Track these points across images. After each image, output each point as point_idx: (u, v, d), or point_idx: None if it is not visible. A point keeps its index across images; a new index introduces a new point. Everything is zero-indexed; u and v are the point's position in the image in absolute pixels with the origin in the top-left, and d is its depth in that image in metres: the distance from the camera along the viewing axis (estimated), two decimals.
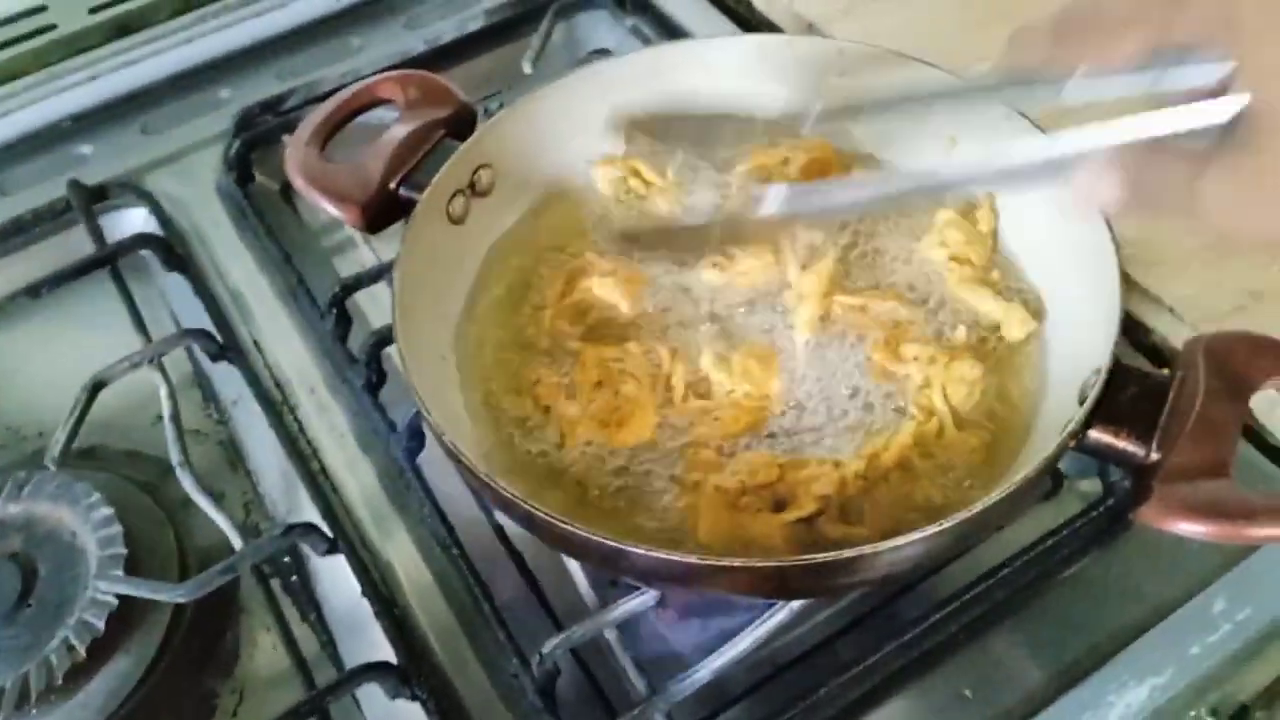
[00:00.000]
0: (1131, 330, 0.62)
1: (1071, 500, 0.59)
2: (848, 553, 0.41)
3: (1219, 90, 0.33)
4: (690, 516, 0.48)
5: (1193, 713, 0.52)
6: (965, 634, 0.54)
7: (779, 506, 0.48)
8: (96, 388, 0.60)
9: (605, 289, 0.57)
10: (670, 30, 0.81)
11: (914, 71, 0.59)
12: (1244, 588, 0.54)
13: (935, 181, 0.50)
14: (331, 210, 0.55)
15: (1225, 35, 0.29)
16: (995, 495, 0.42)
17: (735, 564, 0.42)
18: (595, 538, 0.41)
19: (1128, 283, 0.61)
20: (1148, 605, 0.54)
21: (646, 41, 0.81)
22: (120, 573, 0.54)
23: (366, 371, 0.61)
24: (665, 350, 0.54)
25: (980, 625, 0.54)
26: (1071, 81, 0.38)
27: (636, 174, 0.62)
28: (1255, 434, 0.58)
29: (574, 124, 0.61)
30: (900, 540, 0.41)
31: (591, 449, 0.51)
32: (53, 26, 0.79)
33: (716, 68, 0.63)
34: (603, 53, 0.84)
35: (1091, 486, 0.59)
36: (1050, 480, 0.59)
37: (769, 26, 0.81)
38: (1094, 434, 0.44)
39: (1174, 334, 0.60)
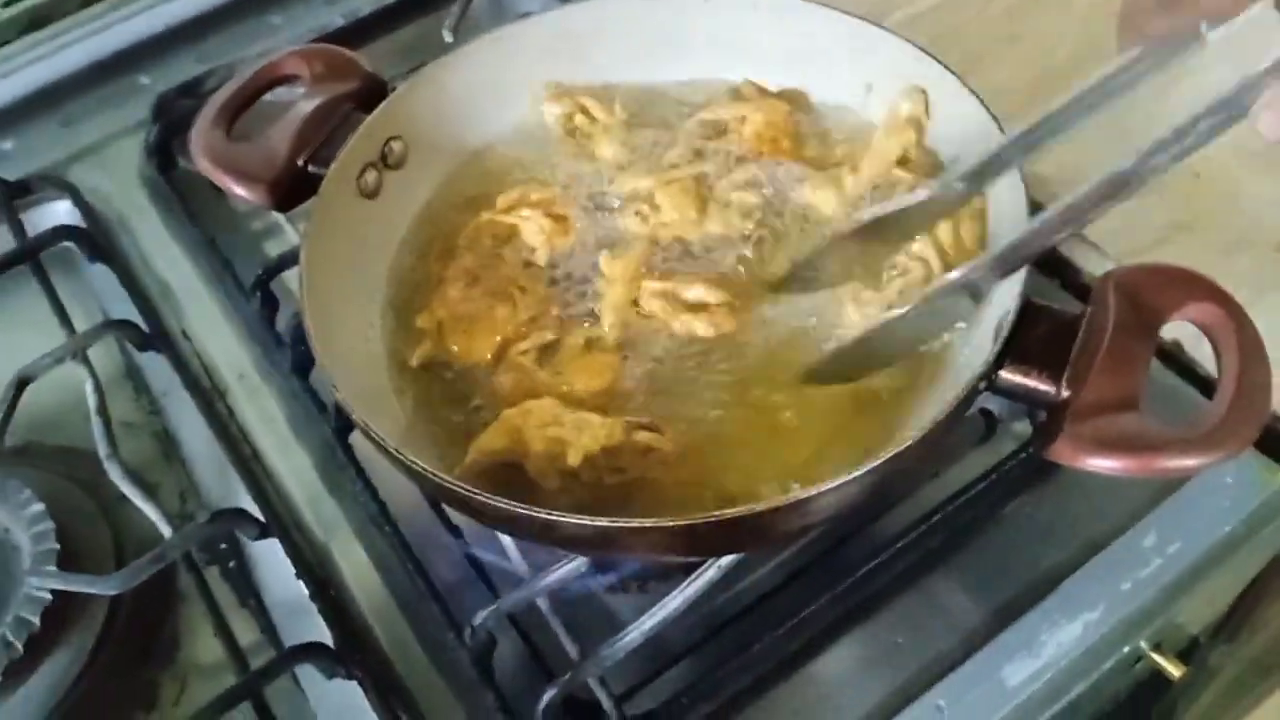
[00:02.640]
0: (1059, 269, 0.62)
1: (1006, 443, 0.59)
2: (759, 506, 0.41)
3: None
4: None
5: (1127, 648, 0.52)
6: (902, 580, 0.54)
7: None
8: (21, 384, 0.59)
9: (530, 229, 0.56)
10: None
11: (826, 17, 0.58)
12: (1174, 521, 0.54)
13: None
14: (239, 191, 0.54)
15: None
16: (903, 442, 0.41)
17: (647, 524, 0.41)
18: (498, 503, 0.41)
19: None
20: (1082, 543, 0.54)
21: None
22: (53, 568, 0.54)
23: (294, 354, 0.61)
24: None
25: (917, 571, 0.54)
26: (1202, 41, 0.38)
27: (584, 111, 0.61)
28: (1185, 366, 0.58)
29: (486, 90, 0.60)
30: (814, 490, 0.41)
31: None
32: None
33: (631, 27, 0.62)
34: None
35: (1024, 428, 0.59)
36: (984, 424, 0.59)
37: None
38: (1005, 374, 0.44)
39: (1100, 270, 0.59)
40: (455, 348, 0.54)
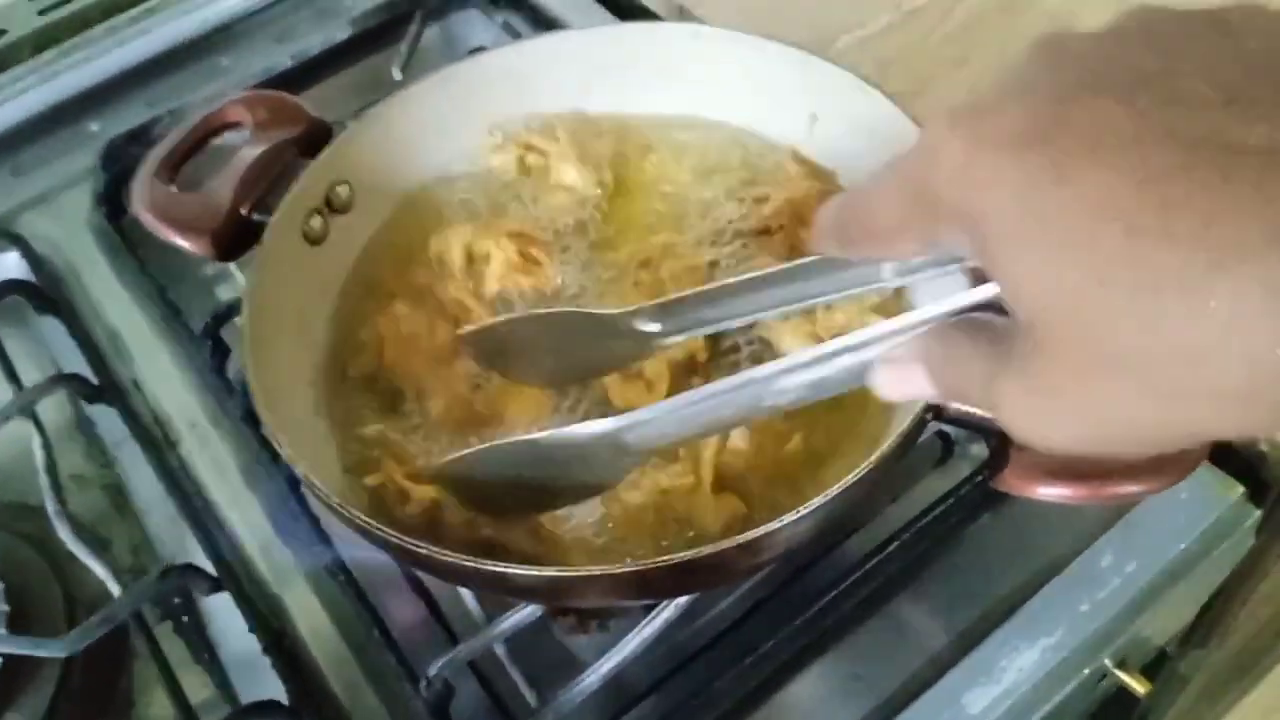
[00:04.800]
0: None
1: (963, 466, 0.59)
2: (706, 550, 0.40)
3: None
4: None
5: (1088, 670, 0.52)
6: (865, 607, 0.53)
7: None
8: None
9: (499, 259, 0.55)
10: (545, 23, 0.80)
11: (768, 49, 0.58)
12: (1130, 541, 0.54)
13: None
14: (180, 243, 0.54)
15: (976, 250, 0.25)
16: (851, 478, 0.41)
17: (595, 572, 0.41)
18: (445, 556, 0.40)
19: None
20: (1042, 564, 0.54)
21: (517, 37, 0.80)
22: (2, 630, 0.53)
23: (245, 400, 0.60)
24: None
25: (879, 597, 0.54)
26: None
27: (530, 148, 0.61)
28: None
29: (432, 129, 0.60)
30: (766, 529, 0.41)
31: None
32: None
33: (575, 62, 0.62)
34: (480, 51, 0.83)
35: (982, 451, 0.58)
36: (941, 448, 0.59)
37: (645, 14, 0.80)
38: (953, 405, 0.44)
39: None
40: (393, 365, 0.53)
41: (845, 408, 0.50)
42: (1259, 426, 0.23)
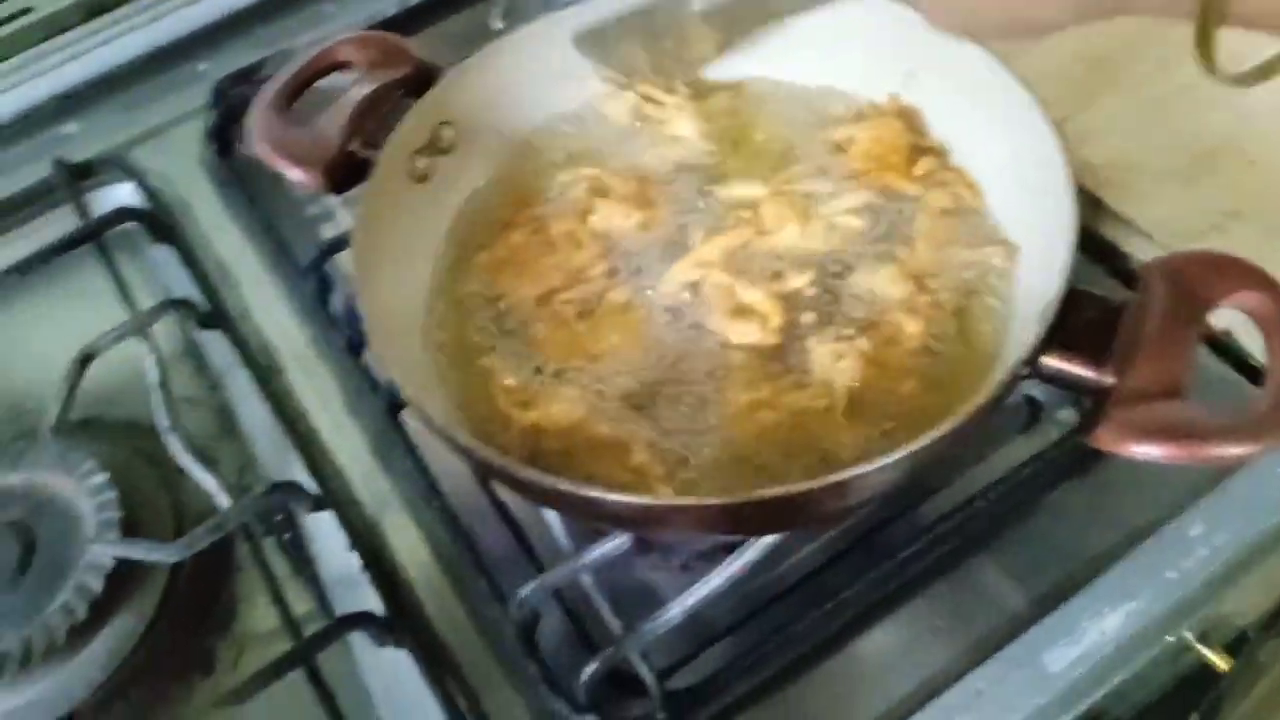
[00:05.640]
0: (1107, 255, 0.61)
1: (1051, 430, 0.58)
2: (799, 487, 0.41)
3: None
4: None
5: (1171, 638, 0.52)
6: (943, 564, 0.54)
7: None
8: (86, 360, 0.61)
9: (609, 203, 0.56)
10: None
11: (867, 3, 0.58)
12: (1221, 512, 0.53)
13: None
14: (293, 174, 0.56)
15: None
16: (939, 430, 0.42)
17: (689, 503, 0.42)
18: (544, 480, 0.42)
19: (1099, 207, 0.61)
20: (1125, 532, 0.54)
21: None
22: (116, 536, 0.56)
23: (348, 333, 0.62)
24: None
25: (957, 556, 0.54)
26: None
27: (648, 98, 0.61)
28: (1233, 353, 0.58)
29: (537, 74, 0.61)
30: (855, 471, 0.41)
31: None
32: (29, 10, 0.80)
33: None
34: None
35: (1069, 416, 0.58)
36: (1028, 411, 0.59)
37: None
38: (1048, 360, 0.44)
39: (1148, 257, 0.59)
40: (503, 287, 0.54)
41: (952, 363, 0.51)
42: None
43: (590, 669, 0.49)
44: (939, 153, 0.58)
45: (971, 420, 0.42)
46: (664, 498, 0.42)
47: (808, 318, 0.52)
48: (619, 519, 0.47)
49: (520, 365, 0.52)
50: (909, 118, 0.59)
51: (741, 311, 0.51)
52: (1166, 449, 0.41)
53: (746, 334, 0.51)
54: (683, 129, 0.60)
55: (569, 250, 0.55)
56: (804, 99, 0.62)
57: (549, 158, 0.61)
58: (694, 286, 0.54)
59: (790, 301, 0.53)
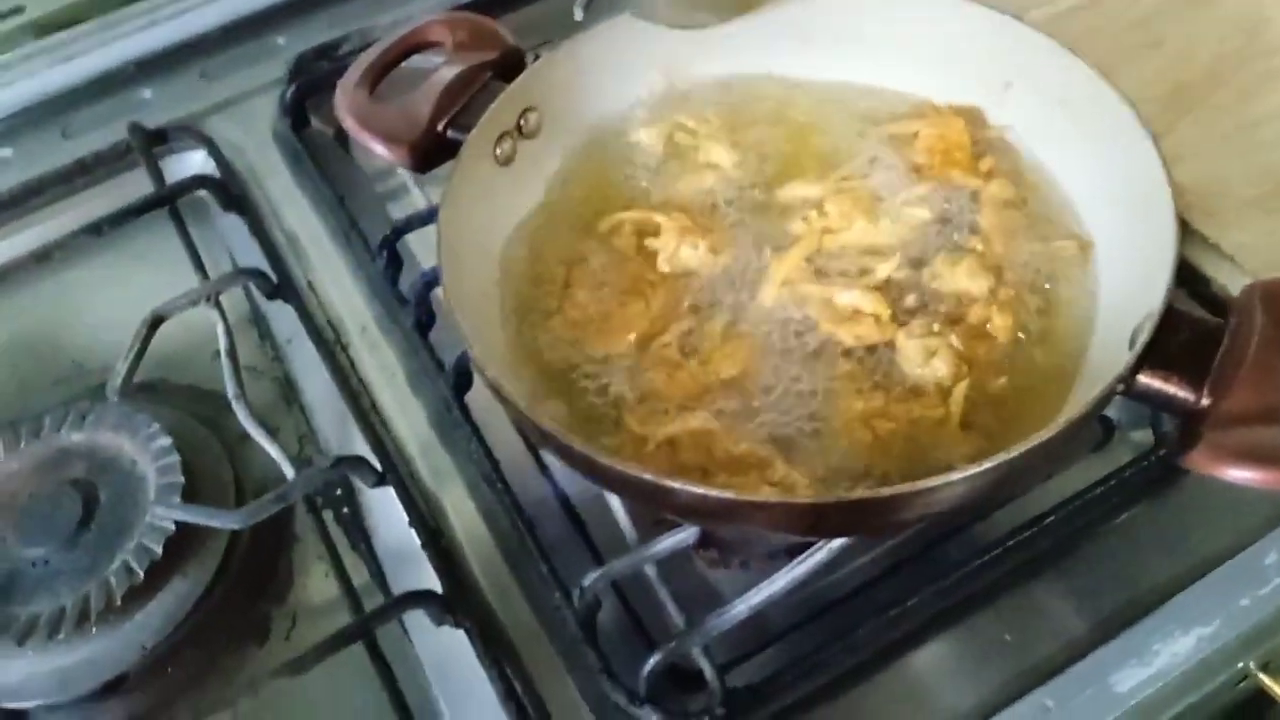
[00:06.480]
0: (1190, 279, 0.60)
1: (1123, 451, 0.58)
2: (884, 492, 0.41)
3: None
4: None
5: (1239, 664, 0.51)
6: (1008, 580, 0.54)
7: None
8: (156, 323, 0.62)
9: (670, 233, 0.56)
10: None
11: (967, 9, 0.58)
12: None
13: None
14: (380, 150, 0.56)
15: None
16: (1037, 438, 0.41)
17: (772, 500, 0.42)
18: (626, 470, 0.42)
19: (1185, 230, 0.60)
20: (1195, 557, 0.53)
21: None
22: (177, 500, 0.56)
23: (416, 312, 0.62)
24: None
25: (1024, 572, 0.54)
26: None
27: (681, 127, 0.61)
28: None
29: (621, 67, 0.61)
30: (937, 480, 0.41)
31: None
32: None
33: (761, 20, 0.62)
34: None
35: (1144, 437, 0.58)
36: (1101, 430, 0.58)
37: None
38: (1144, 379, 0.44)
39: (1234, 283, 0.58)
40: (590, 346, 0.53)
41: (1034, 365, 0.50)
42: None
43: (653, 661, 0.48)
44: (1001, 149, 0.59)
45: (1068, 431, 0.41)
46: (748, 493, 0.42)
47: (910, 300, 0.53)
48: (697, 511, 0.46)
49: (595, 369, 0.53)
50: (969, 115, 0.59)
51: (847, 314, 0.51)
52: (1262, 473, 0.41)
53: (862, 334, 0.51)
54: (716, 156, 0.60)
55: (646, 294, 0.55)
56: (847, 99, 0.62)
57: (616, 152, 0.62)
58: (788, 302, 0.54)
59: (887, 292, 0.53)
